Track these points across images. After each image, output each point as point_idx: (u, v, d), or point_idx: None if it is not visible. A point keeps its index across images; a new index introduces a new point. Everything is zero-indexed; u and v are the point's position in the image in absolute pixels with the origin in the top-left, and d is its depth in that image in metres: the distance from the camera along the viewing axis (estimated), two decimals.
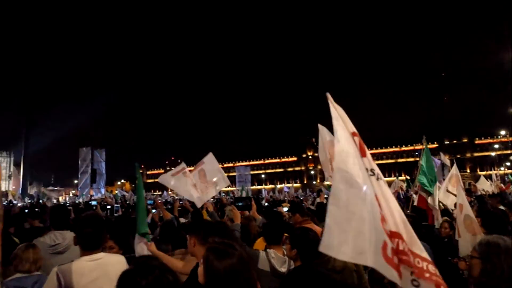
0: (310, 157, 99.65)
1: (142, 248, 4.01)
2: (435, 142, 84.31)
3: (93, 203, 11.63)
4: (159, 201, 11.70)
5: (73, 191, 50.26)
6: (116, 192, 41.69)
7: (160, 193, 48.03)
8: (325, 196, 10.85)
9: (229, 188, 47.27)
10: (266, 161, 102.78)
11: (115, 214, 9.62)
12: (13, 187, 66.24)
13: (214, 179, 6.52)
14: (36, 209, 10.84)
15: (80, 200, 29.25)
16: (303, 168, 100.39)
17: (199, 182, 6.48)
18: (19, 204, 21.21)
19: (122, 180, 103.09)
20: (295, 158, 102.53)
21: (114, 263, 2.94)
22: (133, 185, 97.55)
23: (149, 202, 6.51)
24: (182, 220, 7.38)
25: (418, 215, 5.99)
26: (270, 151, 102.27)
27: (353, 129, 2.17)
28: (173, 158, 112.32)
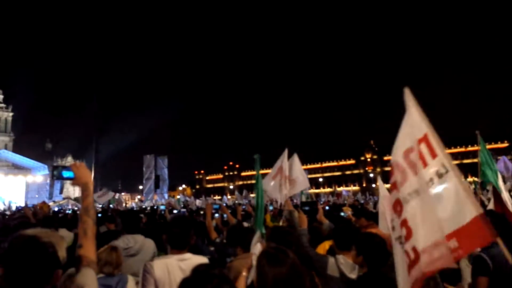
0: (368, 159, 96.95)
1: (258, 248, 4.01)
2: (506, 141, 79.05)
3: (162, 207, 12.08)
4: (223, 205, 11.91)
5: (139, 196, 52.44)
6: (178, 197, 43.07)
7: (219, 197, 48.93)
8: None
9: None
10: (324, 165, 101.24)
11: None
12: None
13: (294, 177, 6.58)
14: (109, 214, 11.53)
15: (146, 205, 30.57)
16: (361, 171, 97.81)
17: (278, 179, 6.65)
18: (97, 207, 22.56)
19: (183, 186, 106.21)
20: (353, 161, 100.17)
21: (192, 261, 3.10)
22: (193, 190, 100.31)
23: (215, 206, 6.70)
24: (245, 224, 7.52)
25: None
26: (327, 154, 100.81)
27: (422, 133, 2.16)
28: (231, 163, 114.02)
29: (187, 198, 34.36)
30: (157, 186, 43.32)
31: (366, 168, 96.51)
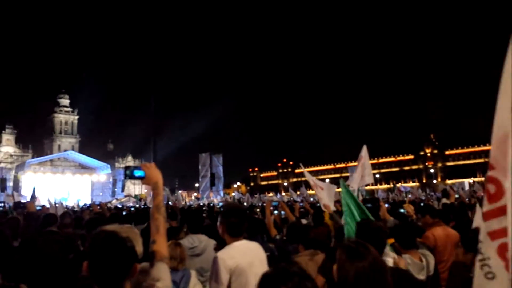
0: (428, 154, 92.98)
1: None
2: None
3: (221, 204, 12.34)
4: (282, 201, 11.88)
5: (195, 194, 53.76)
6: (233, 194, 43.68)
7: (274, 195, 49.05)
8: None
9: None
10: (381, 160, 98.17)
11: None
12: (145, 190, 73.42)
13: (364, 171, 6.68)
14: (169, 210, 11.87)
15: (202, 202, 31.28)
16: (421, 166, 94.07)
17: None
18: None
19: (238, 183, 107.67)
20: (411, 156, 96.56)
21: (257, 248, 3.25)
22: (248, 188, 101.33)
23: (274, 203, 6.71)
24: (304, 221, 7.45)
25: None
26: (384, 149, 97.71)
27: None
28: (285, 160, 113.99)
29: (242, 196, 34.76)
30: (212, 183, 44.22)
31: (426, 163, 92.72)
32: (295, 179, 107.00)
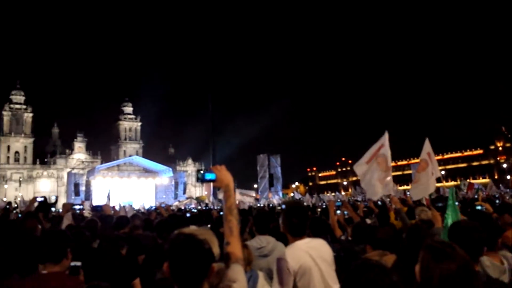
0: (500, 148, 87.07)
1: None
2: None
3: (284, 206, 12.32)
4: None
5: (253, 195, 54.24)
6: (292, 194, 43.55)
7: (333, 194, 48.28)
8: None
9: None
10: (446, 156, 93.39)
11: None
12: (205, 192, 75.23)
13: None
14: None
15: (261, 203, 31.48)
16: (492, 161, 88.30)
17: (378, 171, 6.44)
18: (215, 207, 24.03)
19: (296, 183, 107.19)
20: (480, 151, 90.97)
21: (322, 245, 3.18)
22: (307, 187, 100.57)
23: (337, 204, 6.57)
24: (368, 221, 7.25)
25: None
26: (450, 144, 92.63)
27: None
28: (343, 159, 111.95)
29: (301, 196, 34.56)
30: (271, 184, 44.35)
31: (498, 158, 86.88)
32: (354, 178, 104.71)
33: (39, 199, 6.53)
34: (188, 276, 1.75)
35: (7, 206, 6.76)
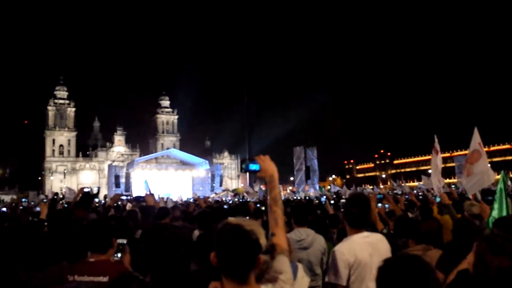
0: None
1: None
2: None
3: (322, 199, 12.25)
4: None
5: (290, 187, 54.13)
6: (329, 187, 43.13)
7: (371, 187, 47.44)
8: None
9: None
10: (492, 148, 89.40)
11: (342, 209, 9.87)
12: (241, 185, 75.81)
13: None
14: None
15: (297, 196, 31.36)
16: None
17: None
18: (252, 200, 24.18)
19: (333, 176, 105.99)
20: None
21: (380, 241, 3.09)
22: (344, 180, 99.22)
23: (378, 196, 6.45)
24: (409, 214, 7.05)
25: None
26: (496, 135, 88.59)
27: None
28: (382, 151, 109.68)
29: (339, 188, 34.16)
30: (307, 177, 44.09)
31: None
32: (393, 171, 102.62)
33: (86, 189, 6.80)
34: (235, 267, 1.74)
35: (55, 197, 7.05)
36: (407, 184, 27.55)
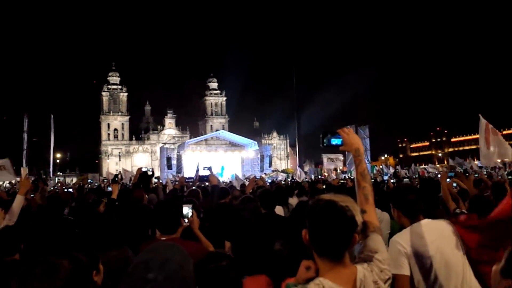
0: None
1: None
2: None
3: (385, 177, 11.92)
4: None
5: (341, 167, 53.32)
6: (381, 167, 42.03)
7: (425, 166, 45.73)
8: None
9: None
10: (505, 132, 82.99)
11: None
12: (291, 165, 75.78)
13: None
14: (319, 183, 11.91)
15: (347, 175, 30.77)
16: None
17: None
18: (304, 179, 24.03)
19: (386, 155, 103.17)
20: None
21: (444, 227, 2.84)
22: (396, 160, 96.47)
23: (449, 174, 6.05)
24: None
25: None
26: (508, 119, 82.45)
27: None
28: (438, 128, 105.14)
29: (392, 168, 33.19)
30: None
31: None
32: (450, 149, 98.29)
33: (144, 169, 6.97)
34: (330, 245, 1.64)
35: (116, 178, 7.26)
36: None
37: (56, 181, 32.06)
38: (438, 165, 46.65)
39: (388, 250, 2.84)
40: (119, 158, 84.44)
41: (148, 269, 1.38)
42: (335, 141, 2.15)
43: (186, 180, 8.44)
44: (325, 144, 2.18)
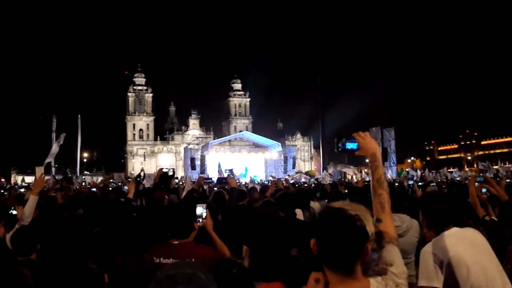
0: None
1: None
2: None
3: (410, 182, 11.68)
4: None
5: (365, 170, 52.66)
6: (407, 169, 41.24)
7: (455, 169, 44.61)
8: None
9: None
10: None
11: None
12: (315, 167, 75.26)
13: None
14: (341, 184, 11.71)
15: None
16: None
17: None
18: (328, 181, 23.81)
19: (412, 158, 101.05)
20: None
21: (474, 234, 2.72)
22: (423, 162, 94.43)
23: (478, 179, 5.81)
24: None
25: None
26: None
27: None
28: (468, 131, 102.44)
29: (418, 171, 32.51)
30: (384, 159, 42.41)
31: None
32: (480, 152, 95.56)
33: (164, 170, 6.98)
34: (338, 257, 1.53)
35: (138, 179, 7.31)
36: (495, 167, 25.36)
37: (80, 180, 32.74)
38: (467, 169, 45.38)
39: (420, 260, 2.72)
40: (144, 158, 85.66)
41: (177, 283, 1.38)
42: (350, 146, 2.04)
43: (205, 180, 8.31)
44: (340, 149, 2.06)
